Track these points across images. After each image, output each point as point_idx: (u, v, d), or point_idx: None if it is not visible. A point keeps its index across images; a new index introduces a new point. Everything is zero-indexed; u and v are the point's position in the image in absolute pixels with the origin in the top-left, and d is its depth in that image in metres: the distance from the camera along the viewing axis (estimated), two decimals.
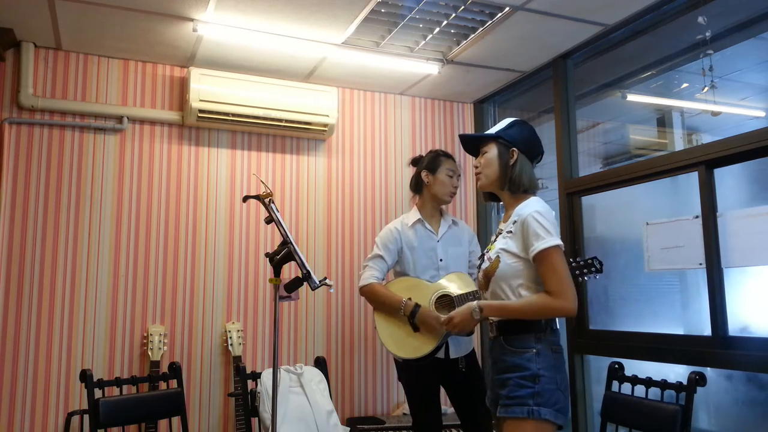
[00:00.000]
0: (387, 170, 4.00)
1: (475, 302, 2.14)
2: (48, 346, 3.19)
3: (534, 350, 2.01)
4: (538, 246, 2.00)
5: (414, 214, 3.03)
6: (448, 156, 3.05)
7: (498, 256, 2.10)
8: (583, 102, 3.64)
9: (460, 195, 4.13)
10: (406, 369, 2.90)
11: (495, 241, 2.19)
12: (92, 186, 3.36)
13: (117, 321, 3.32)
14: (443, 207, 3.10)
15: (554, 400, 1.97)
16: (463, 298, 2.73)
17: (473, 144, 2.31)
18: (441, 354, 2.84)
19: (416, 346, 2.77)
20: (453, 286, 2.83)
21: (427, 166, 3.02)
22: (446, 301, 2.80)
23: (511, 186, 2.16)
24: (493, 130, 2.24)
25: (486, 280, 2.15)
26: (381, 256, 2.95)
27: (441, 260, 2.95)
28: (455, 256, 2.99)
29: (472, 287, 2.77)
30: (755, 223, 2.46)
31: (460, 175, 3.07)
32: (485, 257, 2.18)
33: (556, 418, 1.96)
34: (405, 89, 4.00)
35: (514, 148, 2.16)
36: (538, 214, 2.04)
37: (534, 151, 2.21)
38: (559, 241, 2.01)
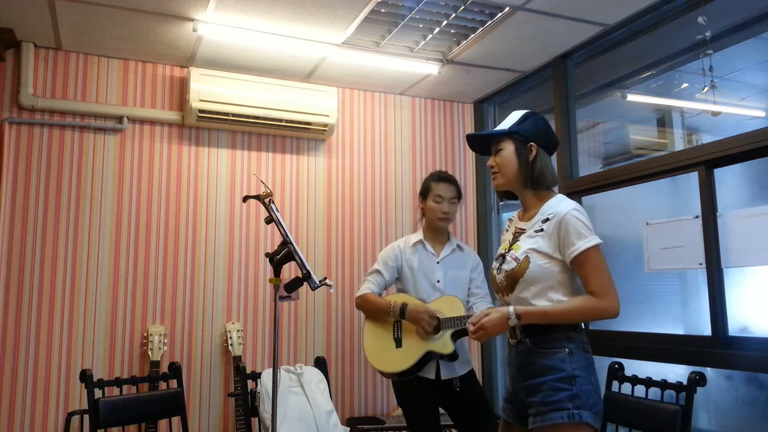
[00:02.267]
0: (387, 170, 4.00)
1: (510, 308, 1.92)
2: (48, 346, 3.19)
3: (566, 350, 1.88)
4: (582, 245, 1.87)
5: (417, 235, 3.03)
6: (441, 179, 2.97)
7: (527, 257, 1.94)
8: (583, 102, 3.64)
9: None
10: (400, 390, 2.89)
11: (516, 240, 2.03)
12: (92, 186, 3.36)
13: (117, 321, 3.32)
14: (449, 231, 3.06)
15: (592, 403, 1.83)
16: (449, 321, 2.74)
17: (484, 143, 2.16)
18: (431, 375, 2.81)
19: (393, 361, 2.79)
20: (443, 308, 2.81)
21: (421, 193, 3.03)
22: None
23: (534, 183, 2.03)
24: (504, 126, 2.10)
25: (511, 281, 1.98)
26: (379, 272, 2.98)
27: (438, 282, 2.92)
28: (454, 279, 2.95)
29: (461, 312, 2.77)
30: (755, 223, 2.46)
31: (456, 198, 2.96)
32: (507, 257, 2.01)
33: (595, 422, 1.82)
34: (405, 89, 4.00)
35: (533, 143, 2.02)
36: (577, 212, 1.92)
37: (551, 143, 2.08)
38: (599, 240, 1.90)
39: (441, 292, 2.91)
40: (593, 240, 1.89)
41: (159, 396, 2.76)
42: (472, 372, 2.95)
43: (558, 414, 1.81)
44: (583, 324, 1.99)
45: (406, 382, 2.82)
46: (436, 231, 3.01)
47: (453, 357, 2.76)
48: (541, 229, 1.96)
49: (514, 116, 2.12)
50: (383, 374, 2.91)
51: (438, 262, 2.96)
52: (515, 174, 2.04)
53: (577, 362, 1.87)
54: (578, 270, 1.91)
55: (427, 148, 4.10)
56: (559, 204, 1.97)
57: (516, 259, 1.97)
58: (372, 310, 2.90)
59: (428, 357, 2.77)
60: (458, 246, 3.05)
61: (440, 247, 3.01)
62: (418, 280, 2.94)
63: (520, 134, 2.05)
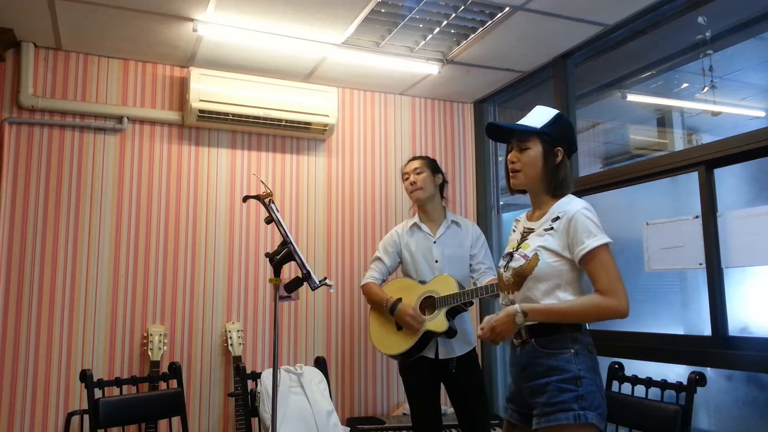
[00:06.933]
0: (387, 170, 4.00)
1: (516, 306, 1.92)
2: (48, 346, 3.19)
3: (572, 350, 1.88)
4: (590, 244, 1.86)
5: (413, 219, 3.16)
6: (407, 161, 3.20)
7: (537, 254, 1.94)
8: (583, 102, 3.64)
9: (459, 194, 4.13)
10: (402, 366, 3.04)
11: (525, 239, 2.03)
12: (92, 186, 3.36)
13: (117, 321, 3.32)
14: (445, 207, 3.16)
15: (597, 404, 1.83)
16: (443, 300, 2.84)
17: (503, 132, 2.10)
18: (431, 354, 2.91)
19: (395, 344, 2.93)
20: (438, 287, 2.90)
21: None
22: (429, 302, 2.91)
23: (556, 189, 2.01)
24: (533, 123, 2.03)
25: (519, 279, 1.97)
26: (380, 259, 3.15)
27: (436, 261, 3.01)
28: (452, 257, 3.02)
29: (454, 290, 2.83)
30: (755, 223, 2.46)
31: (420, 168, 3.09)
32: (515, 255, 2.01)
33: (600, 423, 1.82)
34: (405, 89, 4.00)
35: (559, 148, 2.00)
36: (587, 211, 1.91)
37: (573, 149, 2.08)
38: (609, 239, 1.89)
39: (441, 271, 2.99)
40: (603, 239, 1.88)
41: (159, 396, 2.76)
42: (472, 354, 3.00)
43: (563, 415, 1.81)
44: (587, 324, 1.99)
45: (408, 363, 2.96)
46: (426, 209, 3.11)
47: (450, 334, 2.84)
48: (551, 228, 1.96)
49: (544, 114, 2.05)
50: (389, 357, 3.06)
51: (435, 242, 3.04)
52: (538, 177, 2.02)
53: (582, 363, 1.87)
54: (586, 268, 1.90)
55: (427, 148, 4.10)
56: (569, 203, 1.97)
57: (525, 256, 1.97)
58: (371, 301, 3.08)
59: (428, 337, 2.86)
60: (454, 222, 3.13)
61: (436, 227, 3.09)
62: (418, 262, 3.05)
63: (550, 136, 2.00)
